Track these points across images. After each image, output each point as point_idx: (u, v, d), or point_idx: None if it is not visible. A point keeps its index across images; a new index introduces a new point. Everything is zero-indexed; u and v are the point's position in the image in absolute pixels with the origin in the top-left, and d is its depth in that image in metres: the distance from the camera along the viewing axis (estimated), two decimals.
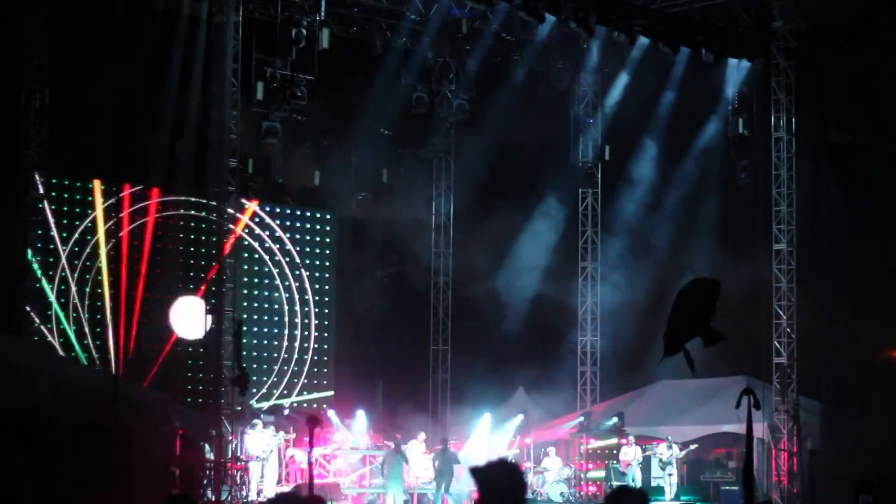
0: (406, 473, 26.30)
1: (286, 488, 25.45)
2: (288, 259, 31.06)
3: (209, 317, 24.50)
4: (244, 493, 24.58)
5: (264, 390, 30.02)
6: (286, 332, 30.78)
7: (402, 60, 29.37)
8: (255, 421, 25.67)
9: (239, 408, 25.00)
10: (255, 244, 30.11)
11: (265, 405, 29.29)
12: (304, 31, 26.01)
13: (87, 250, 27.32)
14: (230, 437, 24.69)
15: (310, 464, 15.17)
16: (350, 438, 27.70)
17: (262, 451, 25.09)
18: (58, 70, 25.80)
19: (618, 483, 28.17)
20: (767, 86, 27.68)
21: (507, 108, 30.01)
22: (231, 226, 25.94)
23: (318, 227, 32.13)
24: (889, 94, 27.10)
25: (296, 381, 30.65)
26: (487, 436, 28.72)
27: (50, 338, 26.55)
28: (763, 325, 27.46)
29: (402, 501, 25.80)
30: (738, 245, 29.33)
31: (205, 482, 24.05)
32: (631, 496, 6.64)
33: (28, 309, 25.80)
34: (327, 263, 32.10)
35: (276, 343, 30.51)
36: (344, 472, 27.09)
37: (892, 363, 28.67)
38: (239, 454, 24.83)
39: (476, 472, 5.88)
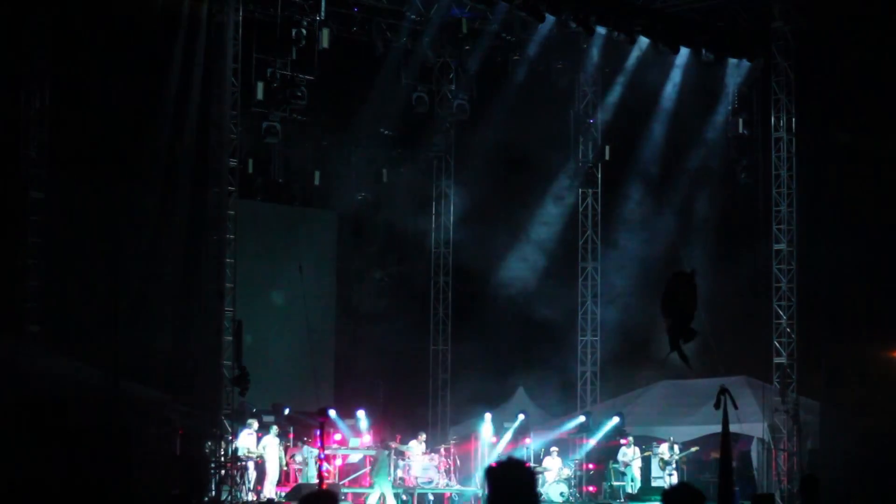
0: (405, 472, 26.36)
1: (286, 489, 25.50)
2: (288, 259, 31.03)
3: None
4: (243, 492, 24.59)
5: (265, 390, 29.96)
6: (286, 331, 30.73)
7: (402, 60, 29.36)
8: (250, 421, 25.65)
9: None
10: (255, 244, 30.07)
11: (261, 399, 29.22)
12: (304, 31, 26.01)
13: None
14: (230, 437, 24.72)
15: (321, 455, 15.12)
16: (350, 438, 27.70)
17: (249, 452, 25.07)
18: (58, 70, 25.80)
19: (618, 483, 28.23)
20: (767, 86, 27.69)
21: (507, 108, 30.02)
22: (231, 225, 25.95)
23: (318, 227, 32.11)
24: (889, 93, 27.10)
25: (296, 381, 30.60)
26: (488, 436, 28.71)
27: (50, 337, 26.52)
28: (763, 325, 27.48)
29: (391, 498, 25.80)
30: (738, 245, 29.35)
31: (214, 480, 24.09)
32: (687, 495, 6.50)
33: (28, 308, 25.80)
34: (327, 263, 32.08)
35: (276, 343, 30.46)
36: (344, 472, 27.09)
37: (891, 363, 28.67)
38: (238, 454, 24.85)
39: (487, 472, 5.90)
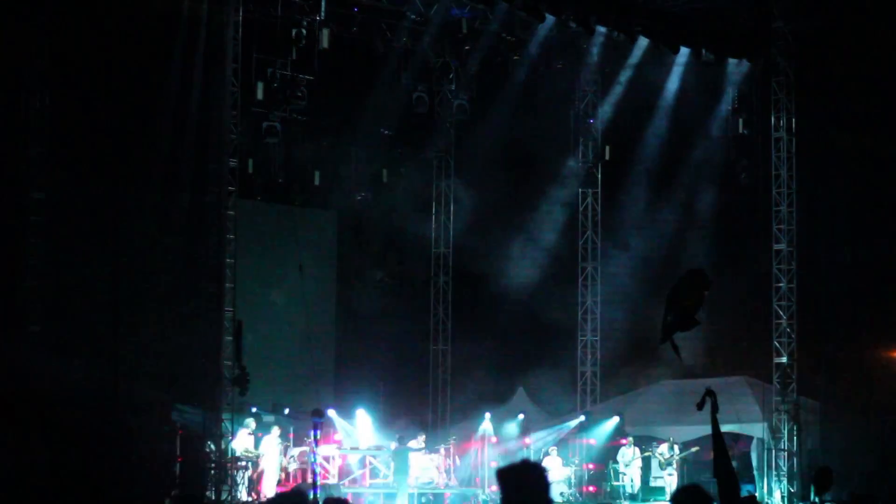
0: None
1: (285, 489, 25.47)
2: (288, 259, 31.01)
3: None
4: (242, 493, 24.60)
5: (265, 390, 29.96)
6: (286, 331, 30.72)
7: (402, 60, 29.36)
8: (247, 421, 25.63)
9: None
10: (255, 244, 30.07)
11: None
12: (304, 31, 26.01)
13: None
14: (230, 437, 24.71)
15: (313, 455, 15.12)
16: (350, 438, 27.71)
17: (246, 452, 25.05)
18: (58, 70, 25.78)
19: (618, 483, 28.23)
20: (767, 86, 27.69)
21: (507, 108, 30.03)
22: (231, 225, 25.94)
23: (318, 227, 32.10)
24: (889, 94, 27.10)
25: (296, 381, 30.60)
26: (489, 436, 28.71)
27: (50, 337, 26.51)
28: (763, 325, 27.48)
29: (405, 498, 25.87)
30: (737, 245, 29.35)
31: (213, 481, 24.10)
32: (696, 497, 6.46)
33: (28, 308, 25.78)
34: (327, 263, 32.07)
35: (276, 343, 30.47)
36: (344, 472, 27.08)
37: (892, 363, 28.67)
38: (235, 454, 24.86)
39: (499, 475, 5.83)
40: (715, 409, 10.44)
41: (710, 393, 10.47)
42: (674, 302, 10.30)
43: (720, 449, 10.39)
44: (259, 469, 25.20)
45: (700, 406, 10.68)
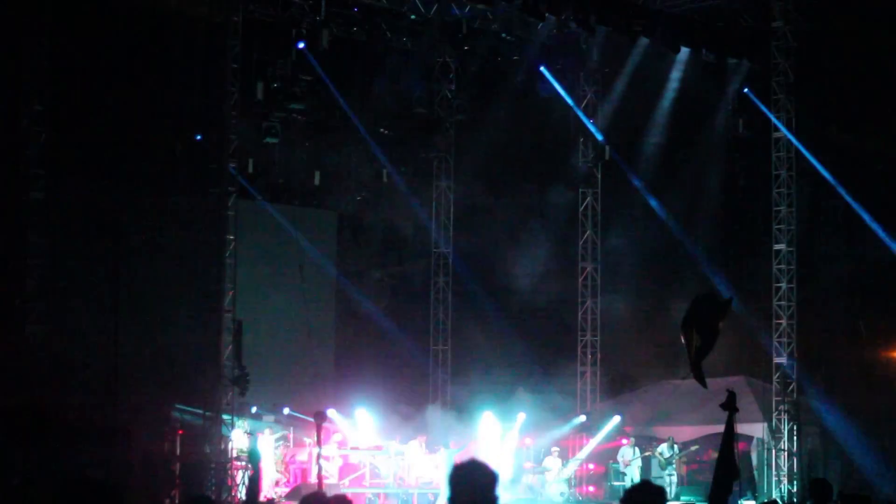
0: (405, 472, 26.37)
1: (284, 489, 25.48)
2: (288, 259, 31.02)
3: None
4: (241, 493, 24.61)
5: (265, 390, 29.96)
6: (286, 331, 30.73)
7: (402, 60, 29.37)
8: (241, 421, 25.64)
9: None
10: (255, 244, 30.08)
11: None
12: (304, 31, 26.02)
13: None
14: (229, 438, 24.72)
15: (318, 459, 15.17)
16: (350, 438, 27.71)
17: (241, 451, 25.06)
18: (57, 70, 25.78)
19: (618, 483, 28.24)
20: (767, 86, 27.70)
21: (507, 108, 30.03)
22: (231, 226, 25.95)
23: (318, 227, 32.09)
24: (888, 94, 27.11)
25: (296, 381, 30.61)
26: (490, 436, 28.71)
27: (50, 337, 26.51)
28: (763, 325, 27.49)
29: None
30: (737, 245, 29.36)
31: (213, 481, 24.10)
32: (649, 493, 6.52)
33: (28, 308, 25.78)
34: (327, 263, 32.06)
35: (276, 343, 30.48)
36: (344, 472, 27.09)
37: (892, 363, 28.69)
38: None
39: (448, 473, 5.85)
40: (733, 410, 10.48)
41: (730, 394, 10.54)
42: (700, 326, 10.37)
43: (724, 453, 10.40)
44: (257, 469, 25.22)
45: (724, 406, 10.75)
